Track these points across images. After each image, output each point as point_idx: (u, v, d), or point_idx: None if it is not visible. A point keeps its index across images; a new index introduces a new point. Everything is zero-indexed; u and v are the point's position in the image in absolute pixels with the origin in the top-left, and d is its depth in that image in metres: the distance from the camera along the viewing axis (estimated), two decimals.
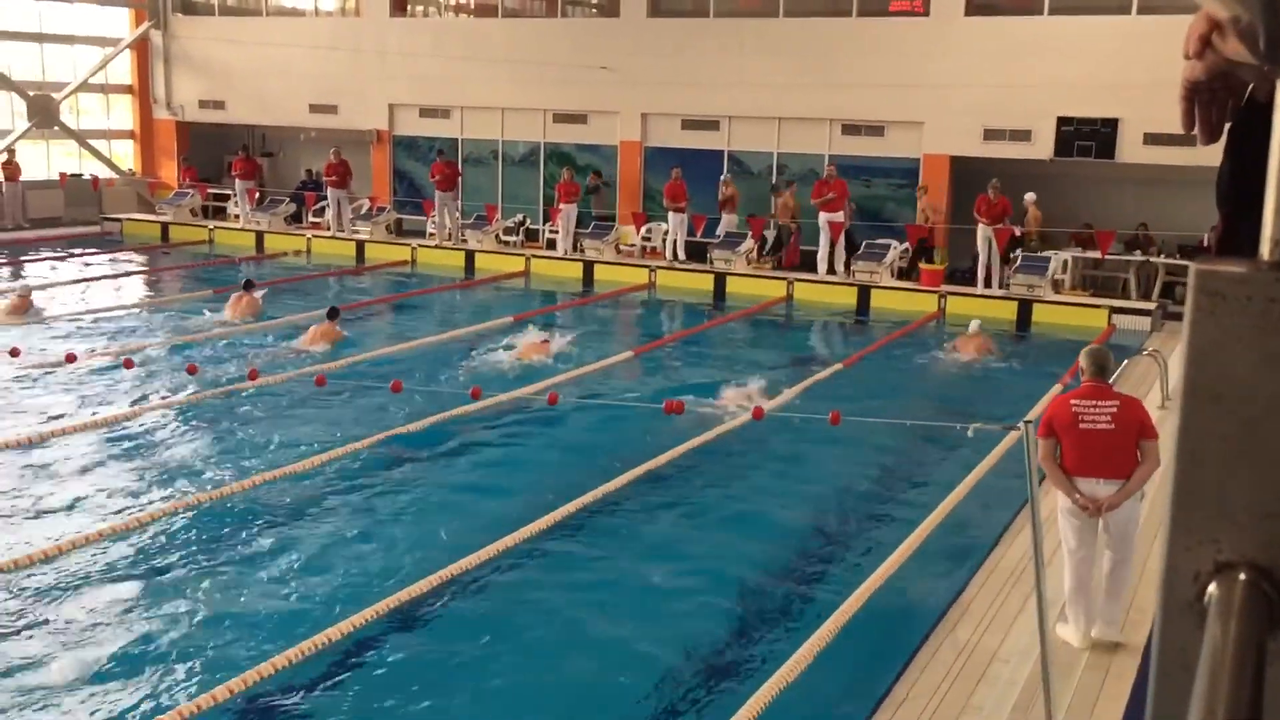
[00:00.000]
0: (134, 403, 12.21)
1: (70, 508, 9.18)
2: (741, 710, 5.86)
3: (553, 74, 23.50)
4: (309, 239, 24.31)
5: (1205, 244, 16.34)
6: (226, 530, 8.78)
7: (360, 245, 23.72)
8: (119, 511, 9.05)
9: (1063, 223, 20.32)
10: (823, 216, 20.50)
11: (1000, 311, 18.47)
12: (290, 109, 26.75)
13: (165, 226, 25.76)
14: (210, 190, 27.01)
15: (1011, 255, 19.37)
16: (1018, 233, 19.58)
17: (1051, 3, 19.83)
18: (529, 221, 24.16)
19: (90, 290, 19.48)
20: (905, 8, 21.14)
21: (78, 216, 26.38)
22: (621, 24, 23.44)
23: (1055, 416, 6.70)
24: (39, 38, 27.67)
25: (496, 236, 23.65)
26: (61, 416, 11.55)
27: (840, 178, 20.60)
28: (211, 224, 25.78)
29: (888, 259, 20.23)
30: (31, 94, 26.77)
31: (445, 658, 6.99)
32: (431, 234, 24.22)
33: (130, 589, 7.77)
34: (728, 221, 21.76)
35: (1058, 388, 12.62)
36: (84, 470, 10.09)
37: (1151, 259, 19.30)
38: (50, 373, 13.07)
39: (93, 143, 28.11)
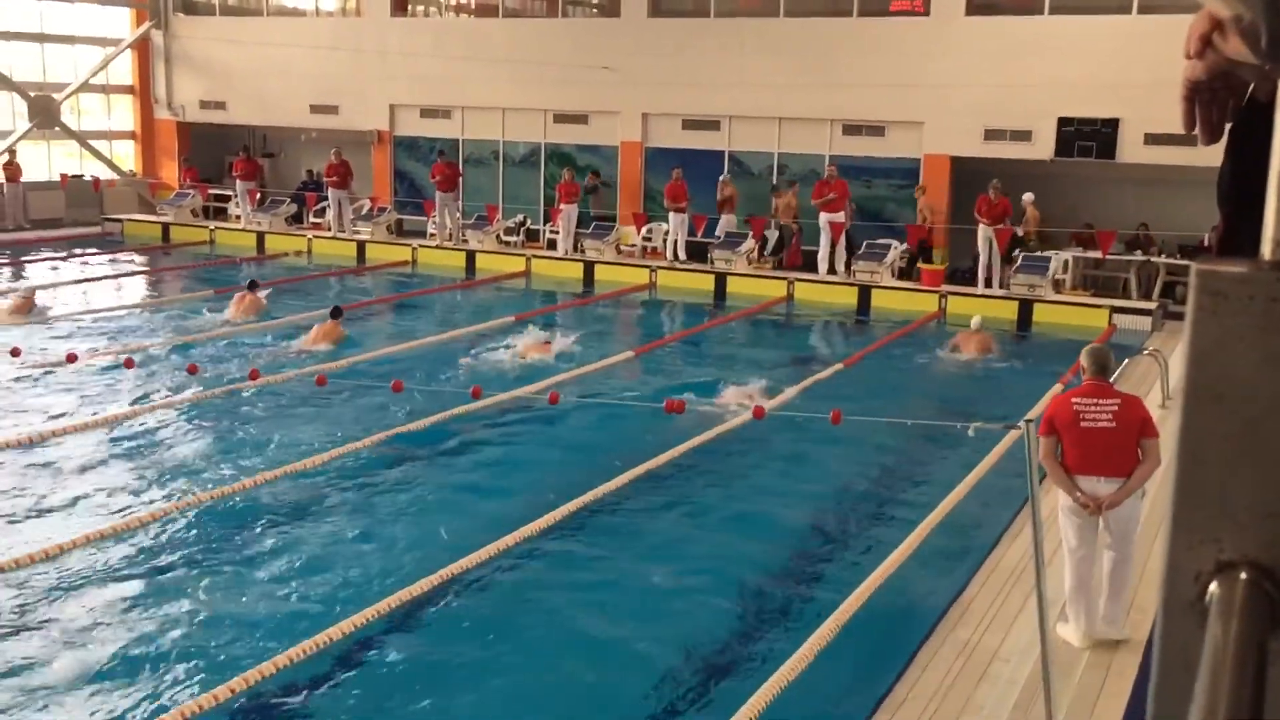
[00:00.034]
0: (134, 402, 12.22)
1: (71, 507, 9.19)
2: (742, 709, 5.86)
3: (553, 74, 23.50)
4: (310, 239, 24.31)
5: (1206, 244, 16.34)
6: (227, 529, 8.79)
7: (361, 246, 23.72)
8: (120, 511, 9.06)
9: (1063, 223, 20.32)
10: (823, 217, 20.50)
11: (1001, 311, 18.47)
12: (291, 109, 26.76)
13: (166, 227, 25.76)
14: (211, 191, 27.01)
15: (1013, 255, 19.38)
16: (1020, 232, 19.59)
17: (1052, 2, 19.83)
18: (530, 222, 24.16)
19: (91, 290, 19.49)
20: (906, 7, 21.13)
21: (79, 217, 26.37)
22: (622, 24, 23.44)
23: (1056, 415, 6.71)
24: (40, 38, 27.68)
25: (497, 237, 23.65)
26: (62, 416, 11.56)
27: (841, 178, 20.61)
28: (212, 225, 25.77)
29: (888, 259, 20.23)
30: (32, 94, 26.77)
31: (446, 657, 6.99)
32: (432, 234, 24.23)
33: (131, 588, 7.78)
34: (726, 222, 21.76)
35: (1058, 387, 12.61)
36: (85, 469, 10.10)
37: (1152, 259, 19.30)
38: (51, 372, 13.08)
39: (94, 143, 28.12)
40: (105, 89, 29.20)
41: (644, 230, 22.68)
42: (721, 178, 22.08)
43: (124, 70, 29.24)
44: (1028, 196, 19.79)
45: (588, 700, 6.62)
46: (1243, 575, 0.77)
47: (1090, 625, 6.69)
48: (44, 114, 26.89)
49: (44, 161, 27.69)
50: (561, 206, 22.68)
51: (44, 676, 6.57)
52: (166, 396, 12.51)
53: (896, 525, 9.15)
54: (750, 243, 21.24)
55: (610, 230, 22.66)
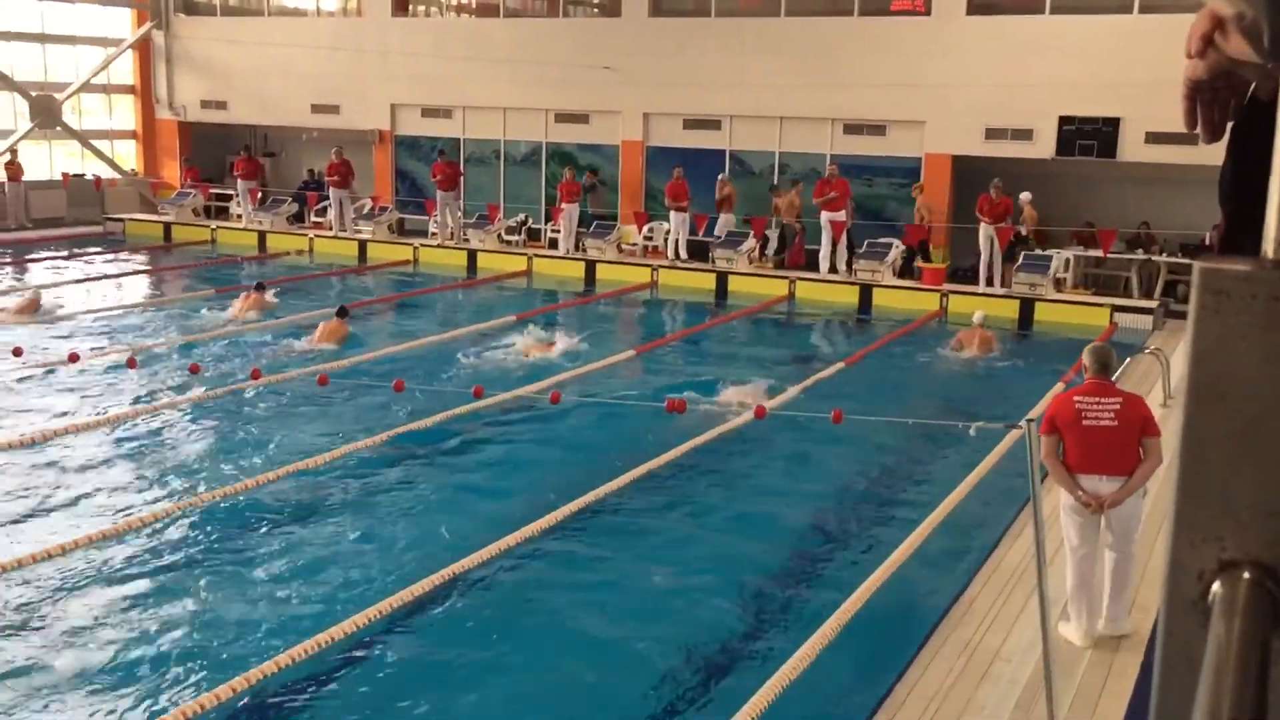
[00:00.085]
0: (136, 401, 12.22)
1: (73, 507, 9.19)
2: (744, 708, 5.86)
3: (554, 74, 23.50)
4: (311, 239, 24.32)
5: (1207, 243, 16.34)
6: (229, 529, 8.80)
7: (362, 245, 23.73)
8: (122, 510, 9.06)
9: (1064, 222, 20.31)
10: (825, 215, 20.50)
11: (1002, 310, 18.46)
12: (292, 109, 26.76)
13: (168, 226, 25.77)
14: (212, 190, 27.03)
15: (1014, 254, 19.37)
16: (1023, 231, 19.59)
17: (1053, 2, 19.81)
18: (531, 221, 24.17)
19: (93, 290, 19.50)
20: (906, 7, 21.12)
21: (80, 217, 26.39)
22: (623, 24, 23.43)
23: (1058, 413, 6.71)
24: (41, 38, 27.68)
25: (498, 236, 23.66)
26: (65, 415, 11.56)
27: (842, 177, 20.61)
28: (214, 224, 25.78)
29: (889, 258, 20.23)
30: (34, 94, 26.78)
31: (447, 657, 7.00)
32: (433, 233, 24.23)
33: (133, 588, 7.78)
34: (725, 221, 21.76)
35: (1060, 385, 12.61)
36: (87, 469, 10.11)
37: (1153, 258, 19.29)
38: (53, 372, 13.09)
39: (95, 143, 28.12)
40: (106, 89, 29.21)
41: (645, 229, 22.68)
42: (720, 177, 22.07)
43: (125, 70, 29.25)
44: (1025, 196, 19.79)
45: (588, 700, 6.62)
46: (1245, 574, 0.77)
47: (1092, 624, 6.69)
48: (46, 114, 26.90)
49: (46, 161, 27.69)
50: (563, 206, 22.69)
51: (46, 676, 6.57)
52: (169, 396, 12.51)
53: (898, 525, 9.15)
54: (751, 242, 21.24)
55: (611, 229, 22.66)
